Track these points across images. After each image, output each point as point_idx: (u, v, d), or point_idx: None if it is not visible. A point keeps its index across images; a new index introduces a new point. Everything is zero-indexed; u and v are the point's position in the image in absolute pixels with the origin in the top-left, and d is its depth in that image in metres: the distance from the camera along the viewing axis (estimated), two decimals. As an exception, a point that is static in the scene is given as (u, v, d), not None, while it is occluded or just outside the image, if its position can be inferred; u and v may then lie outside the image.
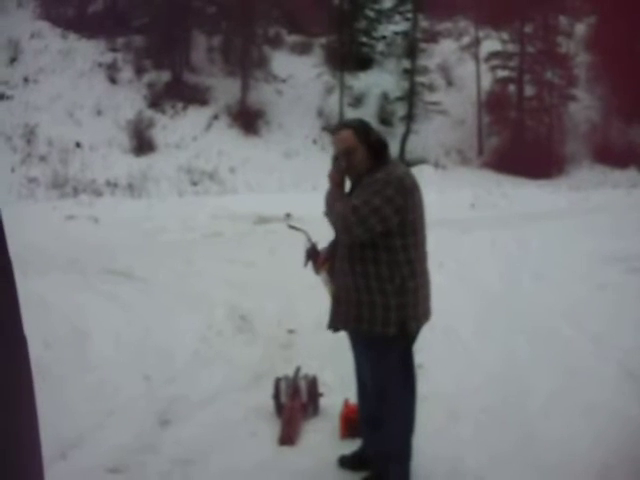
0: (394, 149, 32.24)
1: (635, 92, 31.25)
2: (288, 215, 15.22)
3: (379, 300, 3.17)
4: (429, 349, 4.43)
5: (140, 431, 3.98)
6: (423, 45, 34.11)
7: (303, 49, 36.75)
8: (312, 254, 3.58)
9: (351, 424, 3.91)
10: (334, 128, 3.54)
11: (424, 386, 3.99)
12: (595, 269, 8.93)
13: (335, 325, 3.40)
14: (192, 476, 3.51)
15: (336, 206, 3.24)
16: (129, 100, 31.60)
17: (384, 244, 3.17)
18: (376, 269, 3.18)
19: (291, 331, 6.34)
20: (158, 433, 4.02)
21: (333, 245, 3.47)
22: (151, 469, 3.58)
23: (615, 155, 32.06)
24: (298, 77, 34.77)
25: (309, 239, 3.64)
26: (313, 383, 4.40)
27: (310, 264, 3.59)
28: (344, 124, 3.45)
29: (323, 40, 35.60)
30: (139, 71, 33.23)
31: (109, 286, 7.58)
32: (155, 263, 9.11)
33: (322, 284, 3.59)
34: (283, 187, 25.74)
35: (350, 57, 33.63)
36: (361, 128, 3.33)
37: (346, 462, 3.66)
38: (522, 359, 5.25)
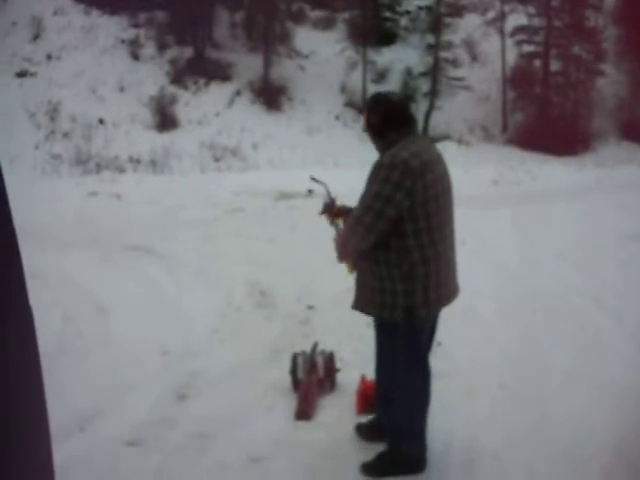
0: (418, 125, 32.03)
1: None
2: (310, 191, 15.16)
3: (387, 286, 3.17)
4: (448, 327, 4.40)
5: (158, 405, 4.02)
6: (447, 20, 33.71)
7: (326, 24, 36.49)
8: (329, 206, 3.66)
9: (367, 400, 3.91)
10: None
11: (442, 363, 4.01)
12: (618, 247, 8.83)
13: (355, 306, 3.42)
14: (208, 450, 3.54)
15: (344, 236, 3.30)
16: (151, 76, 31.65)
17: (395, 230, 3.12)
18: (385, 255, 3.16)
19: (310, 307, 6.35)
20: (176, 407, 4.06)
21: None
22: (168, 442, 3.61)
23: (643, 131, 31.60)
24: (321, 53, 34.57)
25: (328, 192, 3.71)
26: (330, 359, 4.41)
27: (326, 216, 3.68)
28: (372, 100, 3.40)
29: (346, 15, 35.31)
30: (161, 47, 33.22)
31: (130, 262, 7.63)
32: (176, 239, 9.14)
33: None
34: (305, 163, 25.67)
35: (373, 32, 33.34)
36: (369, 104, 3.34)
37: (363, 430, 3.71)
38: (541, 337, 5.22)
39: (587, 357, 4.71)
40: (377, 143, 3.30)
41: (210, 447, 3.56)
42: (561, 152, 28.80)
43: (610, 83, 33.99)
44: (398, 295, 3.14)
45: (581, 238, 9.38)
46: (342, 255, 3.40)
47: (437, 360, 3.86)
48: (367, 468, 3.34)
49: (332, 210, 3.64)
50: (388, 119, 3.24)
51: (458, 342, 4.95)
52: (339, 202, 3.69)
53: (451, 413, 3.66)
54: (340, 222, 3.59)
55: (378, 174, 3.11)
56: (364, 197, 3.14)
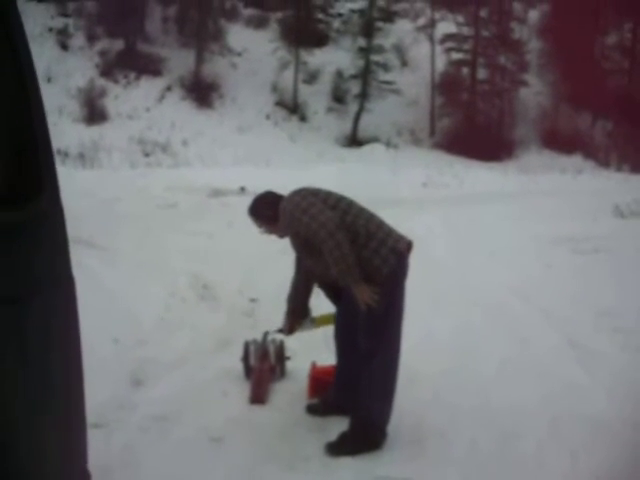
0: (347, 127, 32.45)
1: (583, 80, 31.98)
2: (242, 189, 15.27)
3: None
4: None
5: (115, 390, 4.13)
6: (379, 24, 34.20)
7: (259, 23, 36.54)
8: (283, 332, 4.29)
9: (318, 384, 4.12)
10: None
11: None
12: (543, 249, 9.30)
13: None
14: (170, 431, 3.69)
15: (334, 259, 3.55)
16: (80, 68, 31.07)
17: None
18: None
19: (253, 300, 6.52)
20: (133, 392, 4.19)
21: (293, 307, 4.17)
22: (130, 424, 3.75)
23: (563, 141, 32.80)
24: (253, 51, 34.60)
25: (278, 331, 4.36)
26: (281, 347, 4.59)
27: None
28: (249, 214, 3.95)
29: (279, 15, 35.45)
30: (91, 38, 32.63)
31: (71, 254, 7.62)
32: (115, 233, 9.13)
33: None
34: (237, 161, 25.71)
35: (306, 33, 33.57)
36: (257, 214, 3.92)
37: (314, 409, 3.98)
38: (476, 330, 5.53)
39: (518, 347, 5.04)
40: (278, 228, 3.86)
41: (171, 428, 3.71)
42: (486, 157, 29.65)
43: (533, 93, 35.17)
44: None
45: (508, 240, 9.82)
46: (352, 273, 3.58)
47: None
48: (331, 448, 3.56)
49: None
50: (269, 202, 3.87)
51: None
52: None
53: (397, 398, 3.90)
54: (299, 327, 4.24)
55: (296, 218, 3.63)
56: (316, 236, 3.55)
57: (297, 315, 4.16)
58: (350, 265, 3.46)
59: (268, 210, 3.80)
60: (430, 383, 4.27)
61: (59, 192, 2.03)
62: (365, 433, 3.58)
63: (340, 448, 3.55)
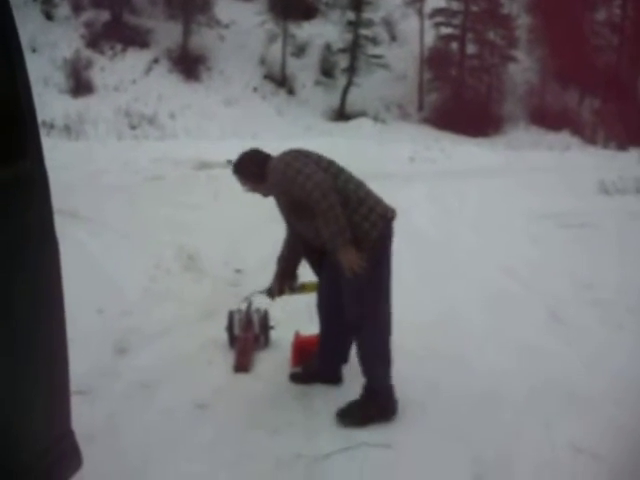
0: (335, 101, 32.32)
1: (571, 57, 31.95)
2: (229, 161, 15.15)
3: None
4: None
5: (100, 359, 4.15)
6: (368, -2, 34.01)
7: (247, -5, 36.20)
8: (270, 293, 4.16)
9: (302, 353, 4.15)
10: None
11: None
12: (529, 224, 9.35)
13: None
14: (154, 398, 3.72)
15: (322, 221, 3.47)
16: (66, 38, 30.72)
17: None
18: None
19: (238, 271, 6.54)
20: (117, 360, 4.21)
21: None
22: (114, 392, 3.77)
23: (550, 118, 32.85)
24: (241, 24, 34.30)
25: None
26: (265, 316, 4.62)
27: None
28: (234, 171, 3.83)
29: (268, -12, 35.13)
30: (76, 8, 32.22)
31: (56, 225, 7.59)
32: (100, 204, 9.11)
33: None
34: (224, 134, 25.58)
35: (294, 6, 33.29)
36: (242, 171, 3.81)
37: (298, 377, 4.00)
38: (460, 303, 5.57)
39: (501, 321, 5.08)
40: (263, 187, 3.78)
41: (155, 396, 3.74)
42: (474, 133, 29.69)
43: (522, 69, 35.14)
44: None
45: (493, 214, 9.87)
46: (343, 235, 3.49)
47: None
48: (342, 418, 3.54)
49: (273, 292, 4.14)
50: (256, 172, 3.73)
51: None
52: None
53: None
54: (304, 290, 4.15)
55: (287, 180, 3.52)
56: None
57: (287, 277, 4.07)
58: (342, 227, 3.38)
59: (255, 167, 3.70)
60: (412, 354, 4.30)
61: (43, 157, 2.10)
62: (376, 401, 3.58)
63: (351, 418, 3.53)
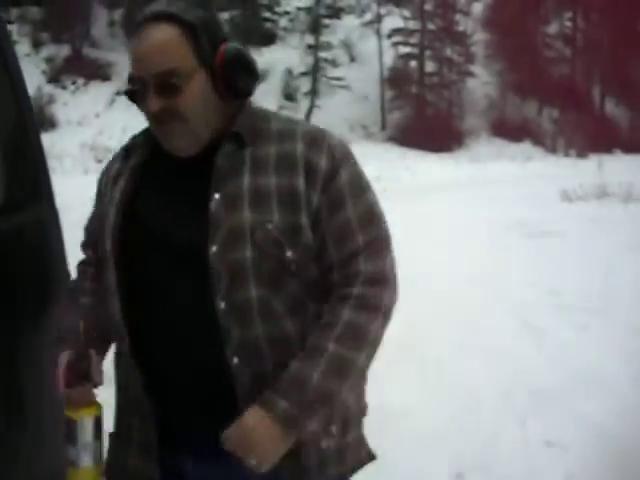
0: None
1: (528, 69, 32.72)
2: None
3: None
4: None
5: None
6: (326, 21, 34.53)
7: (207, 24, 36.51)
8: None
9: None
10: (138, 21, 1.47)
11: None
12: (494, 235, 9.65)
13: None
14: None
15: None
16: (27, 75, 29.87)
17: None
18: None
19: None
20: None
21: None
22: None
23: (511, 129, 33.55)
24: (202, 52, 34.56)
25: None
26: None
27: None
28: (155, 14, 1.44)
29: (226, 15, 35.46)
30: (36, 44, 32.29)
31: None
32: (67, 240, 9.20)
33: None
34: (190, 163, 25.71)
35: (254, 32, 33.68)
36: (192, 22, 1.43)
37: None
38: (428, 315, 5.76)
39: (472, 328, 5.30)
40: (214, 117, 1.47)
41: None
42: (438, 149, 30.20)
43: (480, 84, 35.83)
44: None
45: (458, 227, 10.15)
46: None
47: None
48: None
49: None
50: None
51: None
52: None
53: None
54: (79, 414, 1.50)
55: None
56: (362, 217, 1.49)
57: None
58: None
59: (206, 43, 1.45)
60: (385, 370, 4.49)
61: (54, 199, 2.14)
62: None
63: None
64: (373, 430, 3.69)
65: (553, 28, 37.16)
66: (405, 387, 4.20)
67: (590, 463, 3.22)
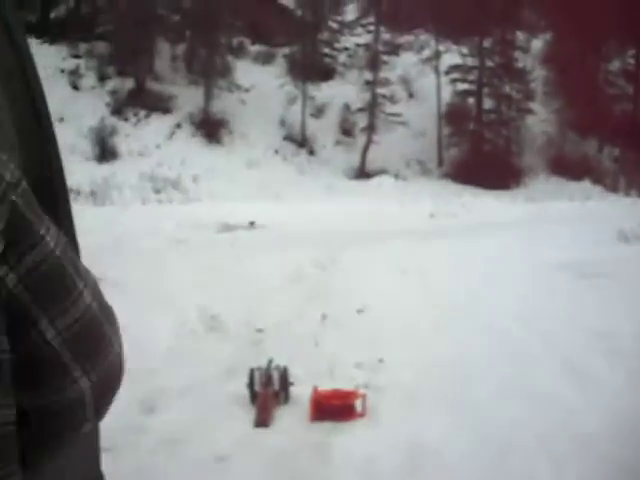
0: (355, 160, 32.78)
1: (588, 106, 32.26)
2: (252, 223, 15.54)
3: None
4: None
5: (126, 416, 4.31)
6: (384, 57, 34.73)
7: (266, 59, 37.11)
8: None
9: (320, 408, 4.30)
10: None
11: (382, 376, 4.54)
12: (547, 275, 9.48)
13: None
14: (178, 453, 3.88)
15: None
16: (91, 107, 31.61)
17: None
18: None
19: (259, 330, 6.72)
20: (143, 417, 4.39)
21: None
22: (140, 447, 3.94)
23: (570, 167, 33.00)
24: (261, 87, 35.11)
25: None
26: (284, 373, 4.78)
27: None
28: None
29: (286, 50, 36.03)
30: (102, 78, 33.26)
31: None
32: (125, 267, 9.37)
33: None
34: (246, 196, 26.02)
35: (312, 68, 34.09)
36: None
37: None
38: (477, 354, 5.69)
39: (516, 370, 5.20)
40: None
41: (179, 451, 3.91)
42: (494, 186, 29.86)
43: (539, 121, 35.46)
44: None
45: (511, 266, 10.01)
46: None
47: (379, 374, 4.36)
48: None
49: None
50: None
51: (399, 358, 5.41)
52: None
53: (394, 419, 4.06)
54: None
55: None
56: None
57: None
58: None
59: None
60: (429, 403, 4.45)
61: (75, 230, 2.22)
62: None
63: None
64: (404, 465, 3.67)
65: (614, 65, 36.69)
66: (441, 425, 4.15)
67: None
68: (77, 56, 34.06)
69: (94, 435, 2.22)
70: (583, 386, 4.96)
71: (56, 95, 31.40)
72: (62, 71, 33.09)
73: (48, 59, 33.10)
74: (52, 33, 33.49)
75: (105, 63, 33.49)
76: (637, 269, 9.76)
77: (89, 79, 33.25)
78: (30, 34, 33.95)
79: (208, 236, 14.28)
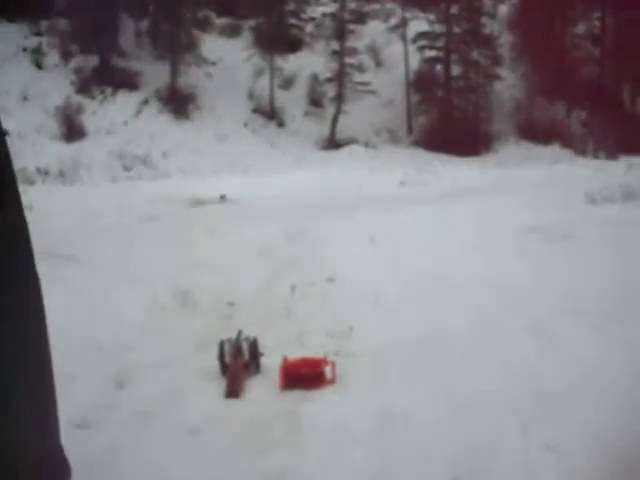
0: (325, 130, 32.68)
1: (555, 71, 32.38)
2: (223, 197, 15.50)
3: None
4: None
5: (100, 392, 4.35)
6: (351, 26, 34.49)
7: (232, 32, 36.73)
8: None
9: (290, 376, 4.35)
10: None
11: (353, 345, 4.59)
12: (516, 239, 9.59)
13: None
14: (152, 427, 3.91)
15: None
16: (56, 85, 31.15)
17: None
18: None
19: (231, 304, 6.74)
20: (116, 393, 4.41)
21: None
22: (113, 423, 3.97)
23: (539, 132, 33.20)
24: (228, 60, 34.78)
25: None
26: (254, 344, 4.82)
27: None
28: None
29: (252, 22, 35.66)
30: (65, 56, 32.72)
31: (53, 269, 7.79)
32: (96, 246, 9.33)
33: None
34: (216, 171, 25.87)
35: (279, 39, 33.80)
36: None
37: None
38: (445, 321, 5.76)
39: (486, 332, 5.28)
40: None
41: (152, 424, 3.94)
42: (464, 153, 29.98)
43: (507, 87, 35.54)
44: None
45: (482, 231, 10.10)
46: None
47: (349, 342, 4.45)
48: None
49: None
50: None
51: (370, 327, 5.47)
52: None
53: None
54: None
55: None
56: None
57: None
58: None
59: None
60: (398, 369, 4.51)
61: (22, 204, 2.25)
62: None
63: None
64: (374, 430, 3.73)
65: (580, 28, 36.79)
66: (415, 391, 4.22)
67: (593, 471, 3.20)
68: (39, 34, 33.45)
69: (49, 408, 2.25)
70: (550, 345, 5.05)
71: (20, 74, 30.91)
72: (24, 50, 32.50)
73: (9, 37, 32.50)
74: (12, 10, 32.80)
75: (68, 40, 32.92)
76: (604, 230, 9.91)
77: (52, 57, 32.70)
78: (-11, 12, 33.30)
79: (179, 211, 14.21)
